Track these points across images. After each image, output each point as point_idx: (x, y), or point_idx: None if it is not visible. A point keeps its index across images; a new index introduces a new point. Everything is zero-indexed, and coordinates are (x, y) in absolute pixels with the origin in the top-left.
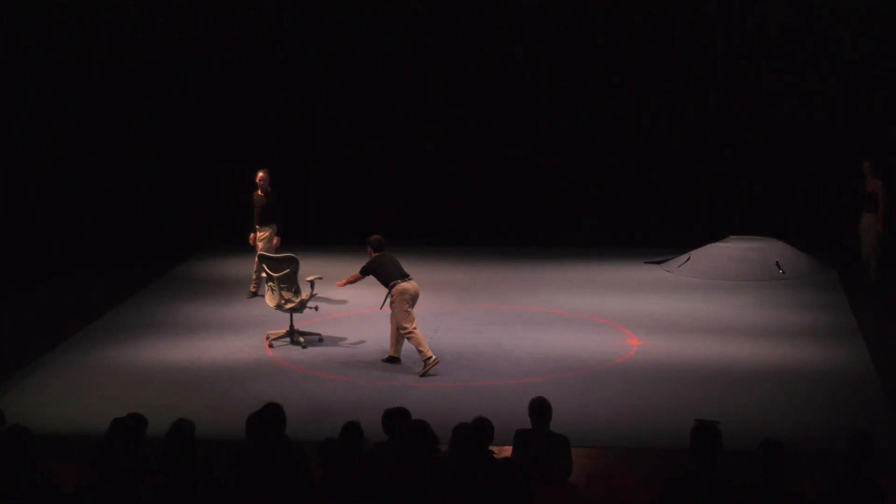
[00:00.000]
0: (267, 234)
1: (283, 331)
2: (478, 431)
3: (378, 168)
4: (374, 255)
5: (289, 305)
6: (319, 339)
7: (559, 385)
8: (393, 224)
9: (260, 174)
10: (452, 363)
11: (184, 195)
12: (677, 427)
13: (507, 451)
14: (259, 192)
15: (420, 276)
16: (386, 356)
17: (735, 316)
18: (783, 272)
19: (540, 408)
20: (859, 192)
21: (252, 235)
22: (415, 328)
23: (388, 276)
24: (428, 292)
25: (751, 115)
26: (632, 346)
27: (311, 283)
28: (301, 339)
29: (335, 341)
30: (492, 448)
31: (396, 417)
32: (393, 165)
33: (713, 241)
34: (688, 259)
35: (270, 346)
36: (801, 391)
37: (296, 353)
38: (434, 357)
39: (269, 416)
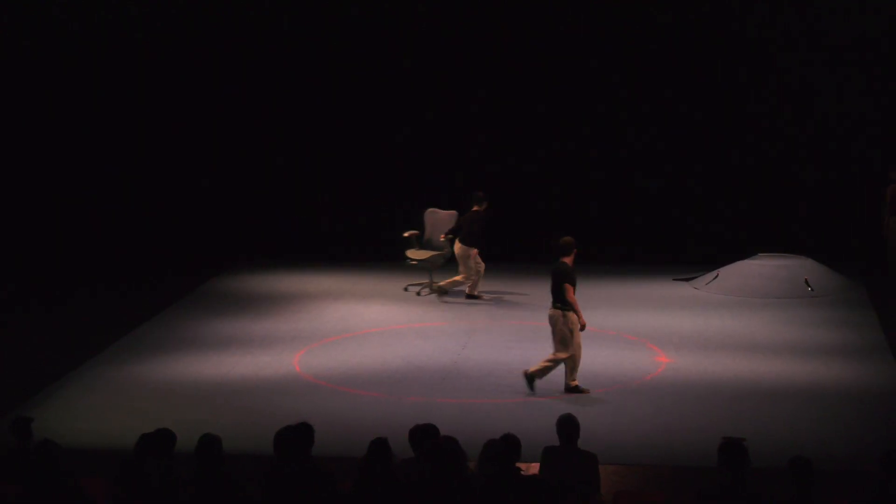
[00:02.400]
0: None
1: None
2: (506, 448)
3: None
4: (570, 261)
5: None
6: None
7: (589, 402)
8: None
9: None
10: (481, 380)
11: (216, 210)
12: (706, 445)
13: (534, 468)
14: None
15: (451, 292)
16: (571, 387)
17: (764, 333)
18: (812, 289)
19: (568, 425)
20: (886, 198)
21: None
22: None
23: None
24: (457, 309)
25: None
26: (661, 363)
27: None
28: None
29: (363, 357)
30: (519, 465)
31: (423, 434)
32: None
33: (742, 259)
34: (716, 276)
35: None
36: (831, 409)
37: (324, 368)
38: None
39: (298, 435)
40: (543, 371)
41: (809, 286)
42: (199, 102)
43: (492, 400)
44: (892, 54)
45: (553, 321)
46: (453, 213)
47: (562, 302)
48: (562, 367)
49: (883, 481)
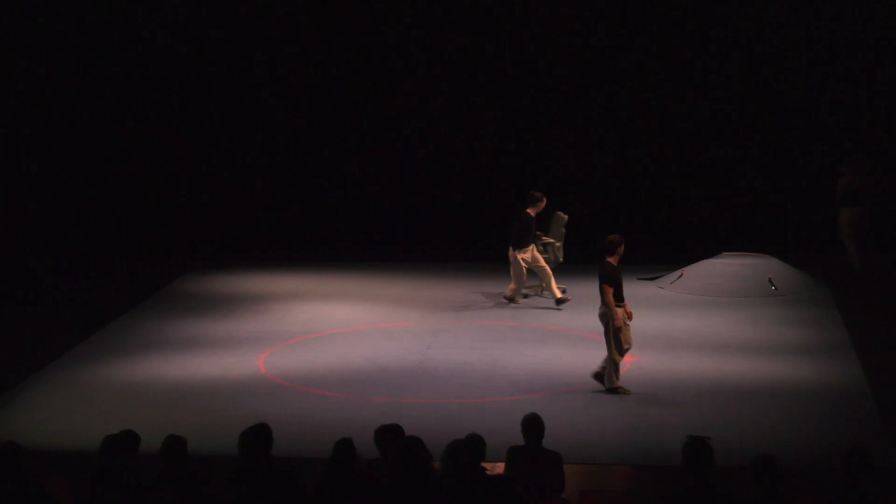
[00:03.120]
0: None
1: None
2: (470, 448)
3: (377, 183)
4: (615, 261)
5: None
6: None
7: (553, 402)
8: (389, 240)
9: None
10: (446, 380)
11: (182, 210)
12: (671, 444)
13: (499, 467)
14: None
15: (416, 293)
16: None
17: (728, 332)
18: (776, 288)
19: (533, 424)
20: (839, 189)
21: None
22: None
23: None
24: (423, 309)
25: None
26: (626, 362)
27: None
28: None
29: (328, 358)
30: (484, 465)
31: (390, 434)
32: (389, 181)
33: (706, 258)
34: (680, 275)
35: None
36: (795, 408)
37: (290, 369)
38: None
39: (258, 436)
40: (614, 371)
41: (773, 285)
42: (166, 102)
43: (457, 400)
44: (850, 53)
45: (602, 320)
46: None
47: (605, 302)
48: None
49: (846, 478)
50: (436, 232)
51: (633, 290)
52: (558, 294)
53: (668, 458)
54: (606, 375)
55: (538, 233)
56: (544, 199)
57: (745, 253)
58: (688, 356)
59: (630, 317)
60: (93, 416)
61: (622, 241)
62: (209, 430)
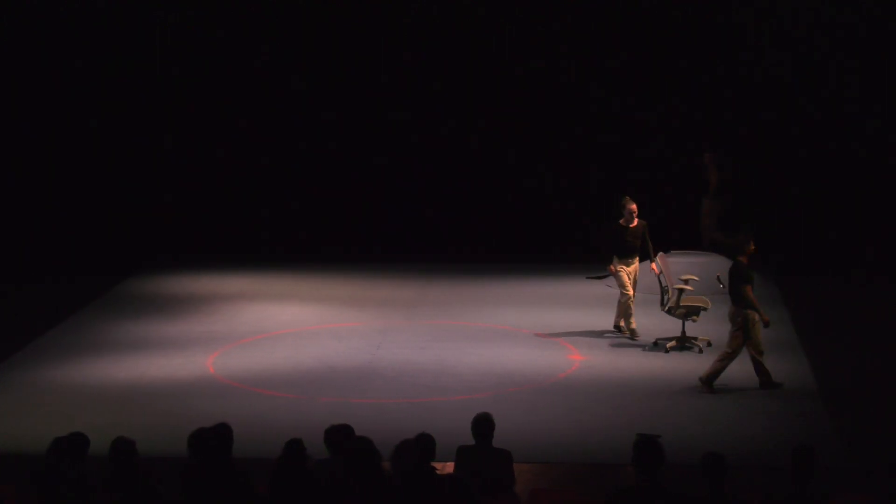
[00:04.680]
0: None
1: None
2: (420, 448)
3: (325, 181)
4: (745, 259)
5: (678, 312)
6: (708, 344)
7: (502, 401)
8: (338, 238)
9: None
10: (396, 380)
11: (129, 210)
12: (620, 441)
13: (449, 467)
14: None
15: (365, 293)
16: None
17: (676, 330)
18: (724, 286)
19: (484, 424)
20: (702, 180)
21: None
22: None
23: None
24: (372, 309)
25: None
26: (574, 361)
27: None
28: (696, 343)
29: (277, 358)
30: (434, 464)
31: (339, 434)
32: (340, 178)
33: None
34: None
35: (655, 344)
36: (744, 405)
37: (239, 370)
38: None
39: (217, 436)
40: (717, 372)
41: (721, 283)
42: (115, 101)
43: (406, 400)
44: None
45: (732, 319)
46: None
47: (740, 302)
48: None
49: (793, 476)
50: (385, 231)
51: (582, 289)
52: (618, 321)
53: (618, 456)
54: (761, 375)
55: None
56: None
57: (693, 251)
58: (637, 354)
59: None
60: (41, 418)
61: (751, 240)
62: (158, 432)
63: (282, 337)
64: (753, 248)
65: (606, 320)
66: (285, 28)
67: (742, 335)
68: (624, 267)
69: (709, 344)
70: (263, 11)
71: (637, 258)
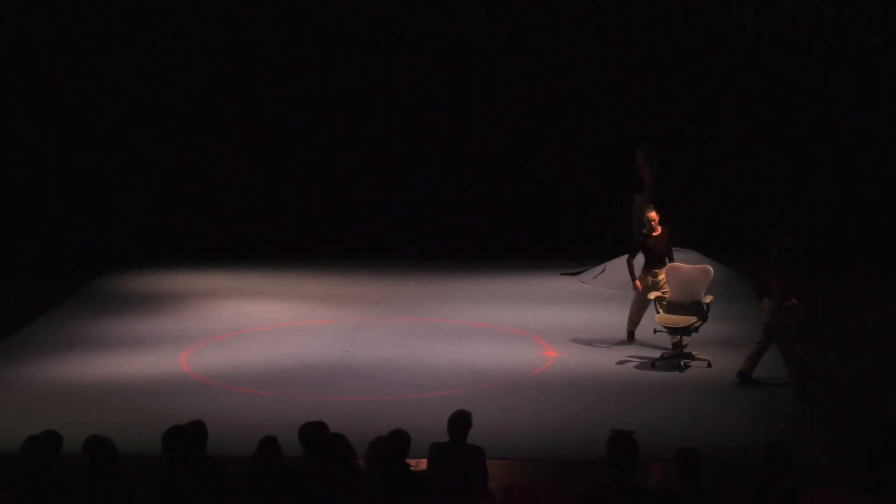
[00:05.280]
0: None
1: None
2: (394, 444)
3: (300, 180)
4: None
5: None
6: (708, 365)
7: (477, 397)
8: (314, 236)
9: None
10: (370, 377)
11: (101, 208)
12: (595, 438)
13: (423, 463)
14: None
15: (339, 290)
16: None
17: (651, 327)
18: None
19: (461, 420)
20: (636, 177)
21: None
22: None
23: None
24: (346, 306)
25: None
26: (549, 357)
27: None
28: (698, 360)
29: (252, 356)
30: (408, 461)
31: (313, 431)
32: (317, 177)
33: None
34: (603, 270)
35: (653, 366)
36: (718, 401)
37: (213, 367)
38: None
39: (192, 434)
40: (753, 362)
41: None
42: (87, 98)
43: (381, 397)
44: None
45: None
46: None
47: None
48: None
49: (767, 472)
50: (359, 229)
51: (556, 285)
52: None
53: (592, 452)
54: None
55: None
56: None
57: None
58: (611, 350)
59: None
60: (13, 416)
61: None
62: (132, 430)
63: (256, 334)
64: (790, 242)
65: (581, 316)
66: (285, 28)
67: (771, 327)
68: (650, 280)
69: (708, 365)
70: (263, 11)
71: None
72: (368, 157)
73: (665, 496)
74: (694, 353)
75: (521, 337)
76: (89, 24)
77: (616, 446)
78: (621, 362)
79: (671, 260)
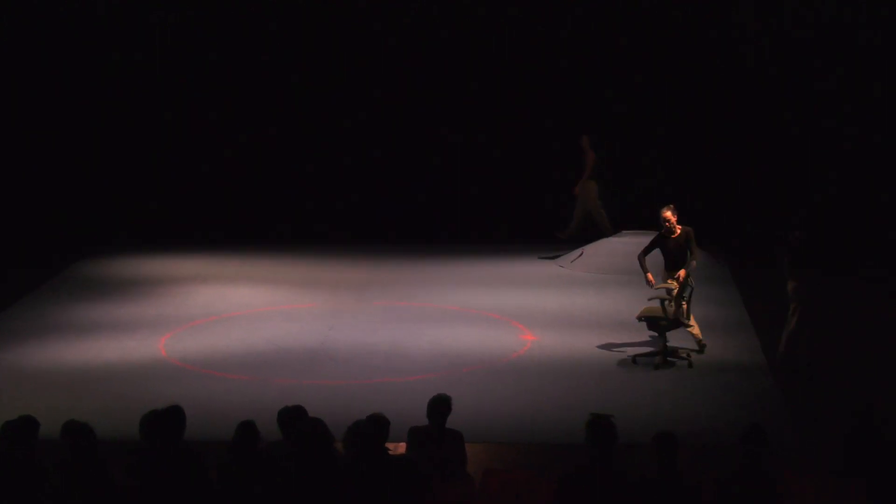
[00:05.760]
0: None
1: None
2: (373, 429)
3: (276, 164)
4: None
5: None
6: (689, 365)
7: (455, 381)
8: (289, 222)
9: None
10: (348, 361)
11: (79, 193)
12: (573, 421)
13: (402, 448)
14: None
15: (316, 274)
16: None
17: (628, 310)
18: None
19: (441, 405)
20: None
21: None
22: None
23: None
24: (324, 291)
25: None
26: (526, 341)
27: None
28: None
29: (229, 340)
30: (387, 445)
31: (292, 416)
32: (290, 161)
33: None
34: (581, 254)
35: (634, 361)
36: (695, 384)
37: (191, 352)
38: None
39: (168, 419)
40: (791, 350)
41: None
42: (61, 82)
43: (359, 381)
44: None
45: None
46: None
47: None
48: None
49: (744, 454)
50: (336, 214)
51: (534, 269)
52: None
53: (570, 435)
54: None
55: None
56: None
57: (645, 231)
58: (588, 334)
59: None
60: None
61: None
62: (110, 415)
63: (234, 319)
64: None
65: (558, 300)
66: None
67: (798, 309)
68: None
69: (695, 352)
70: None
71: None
72: (347, 144)
73: (642, 479)
74: (679, 350)
75: (498, 321)
76: (113, 25)
77: (594, 430)
78: (601, 346)
79: (695, 259)
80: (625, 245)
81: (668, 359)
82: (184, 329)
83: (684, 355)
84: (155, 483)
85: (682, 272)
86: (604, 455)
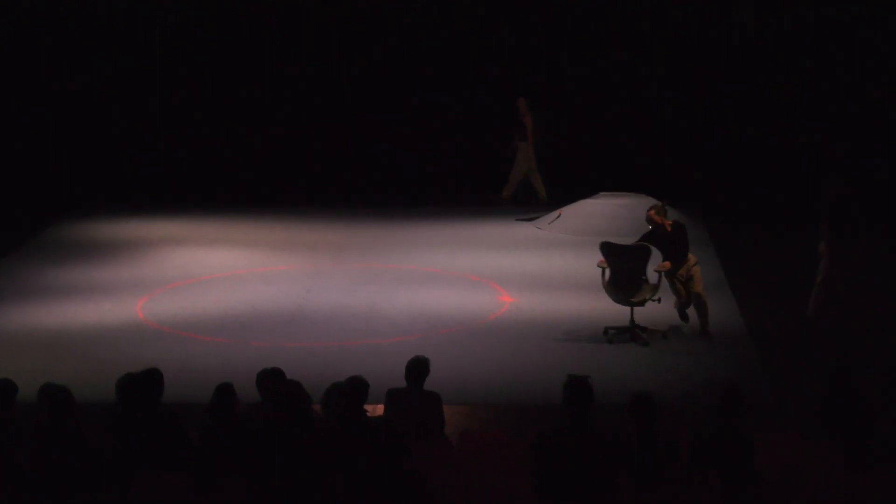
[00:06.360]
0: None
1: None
2: (351, 391)
3: (253, 127)
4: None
5: (634, 299)
6: (663, 336)
7: (433, 343)
8: (268, 184)
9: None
10: (326, 323)
11: (57, 153)
12: (550, 382)
13: (380, 409)
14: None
15: (293, 236)
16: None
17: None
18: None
19: (419, 366)
20: (516, 125)
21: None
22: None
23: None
24: (301, 253)
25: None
26: (504, 302)
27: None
28: (643, 336)
29: (207, 303)
30: (365, 407)
31: (270, 378)
32: (267, 124)
33: (584, 198)
34: (558, 216)
35: (610, 341)
36: (672, 345)
37: (168, 315)
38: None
39: (146, 382)
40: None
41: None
42: (38, 44)
43: (336, 343)
44: None
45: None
46: None
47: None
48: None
49: (721, 414)
50: (313, 175)
51: (512, 231)
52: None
53: (548, 397)
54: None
55: None
56: None
57: (623, 193)
58: (566, 296)
59: None
60: None
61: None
62: (87, 378)
63: (211, 281)
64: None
65: (536, 262)
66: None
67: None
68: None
69: (664, 336)
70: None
71: (678, 264)
72: (325, 102)
73: (619, 440)
74: (648, 327)
75: (476, 283)
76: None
77: (571, 391)
78: (579, 308)
79: (682, 255)
80: (602, 207)
81: (638, 333)
82: (161, 292)
83: (656, 328)
84: (133, 445)
85: (666, 264)
86: (580, 416)
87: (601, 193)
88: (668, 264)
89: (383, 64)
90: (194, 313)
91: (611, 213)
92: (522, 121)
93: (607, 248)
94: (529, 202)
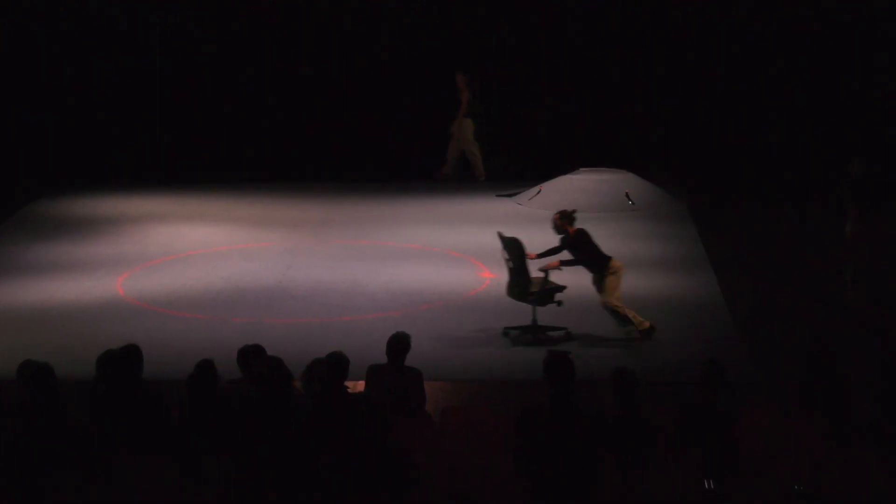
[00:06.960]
0: None
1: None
2: (332, 367)
3: (235, 101)
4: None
5: (517, 296)
6: (567, 334)
7: (413, 319)
8: (247, 159)
9: None
10: (307, 299)
11: (35, 132)
12: (531, 358)
13: (361, 386)
14: None
15: (274, 213)
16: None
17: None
18: (633, 203)
19: (399, 343)
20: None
21: None
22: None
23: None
24: (282, 229)
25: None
26: (485, 279)
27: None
28: (549, 335)
29: (187, 279)
30: (346, 383)
31: (251, 355)
32: (247, 98)
33: (564, 174)
34: (539, 191)
35: (506, 334)
36: (653, 321)
37: (148, 291)
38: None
39: (126, 358)
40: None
41: (630, 200)
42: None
43: (317, 319)
44: None
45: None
46: None
47: None
48: None
49: (701, 390)
50: (294, 152)
51: (492, 207)
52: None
53: (528, 373)
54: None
55: None
56: None
57: (602, 168)
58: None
59: None
60: None
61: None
62: (67, 355)
63: (192, 258)
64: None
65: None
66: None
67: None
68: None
69: (568, 335)
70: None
71: (593, 273)
72: (306, 79)
73: (600, 415)
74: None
75: (456, 259)
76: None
77: (552, 366)
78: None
79: (589, 264)
80: (582, 182)
81: (542, 335)
82: (141, 268)
83: (559, 326)
84: (112, 423)
85: (553, 262)
86: (561, 392)
87: (581, 169)
88: (555, 263)
89: (368, 44)
90: (175, 290)
91: (591, 189)
92: (461, 97)
93: (501, 241)
94: (470, 178)
